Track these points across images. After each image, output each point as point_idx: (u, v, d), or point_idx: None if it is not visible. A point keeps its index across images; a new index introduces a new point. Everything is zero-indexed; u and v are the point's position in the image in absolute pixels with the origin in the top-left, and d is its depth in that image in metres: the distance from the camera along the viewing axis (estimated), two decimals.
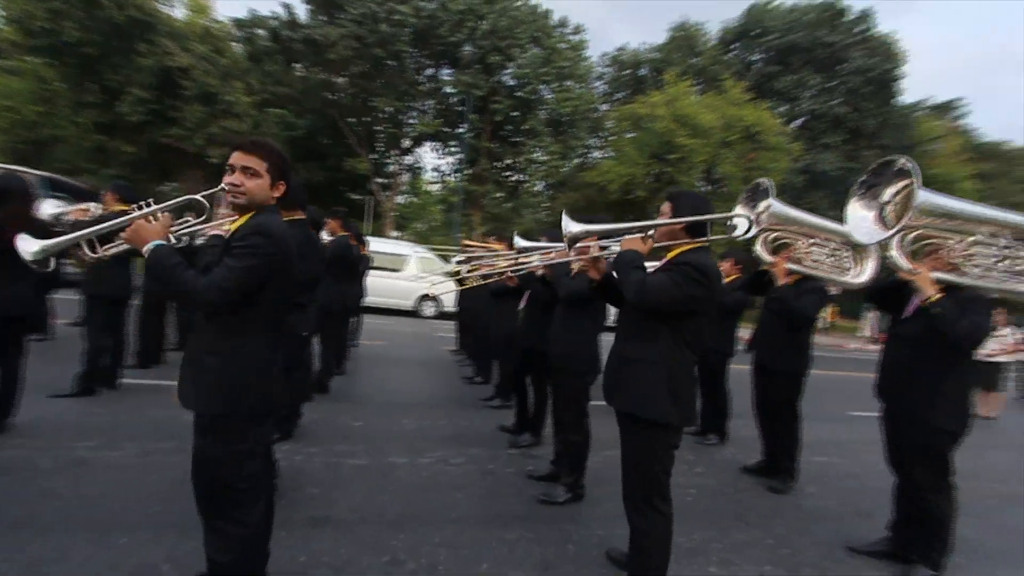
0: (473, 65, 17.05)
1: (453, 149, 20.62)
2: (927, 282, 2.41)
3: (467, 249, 5.52)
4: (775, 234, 3.58)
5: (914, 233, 2.53)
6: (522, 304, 3.97)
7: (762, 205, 3.47)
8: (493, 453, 3.65)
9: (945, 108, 28.39)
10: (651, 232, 2.11)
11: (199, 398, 1.61)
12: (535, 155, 19.27)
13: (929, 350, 2.47)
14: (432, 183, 23.23)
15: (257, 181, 1.65)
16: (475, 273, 4.69)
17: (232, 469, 1.63)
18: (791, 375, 3.50)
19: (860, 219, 2.68)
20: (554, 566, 2.33)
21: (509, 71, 18.56)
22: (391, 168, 22.03)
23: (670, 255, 2.09)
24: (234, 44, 16.18)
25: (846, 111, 21.83)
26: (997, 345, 6.72)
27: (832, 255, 3.56)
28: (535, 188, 20.27)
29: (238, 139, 1.75)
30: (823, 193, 22.92)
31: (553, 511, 2.86)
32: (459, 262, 6.06)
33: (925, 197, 2.32)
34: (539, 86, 18.16)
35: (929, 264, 2.51)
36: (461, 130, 20.00)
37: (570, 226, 2.07)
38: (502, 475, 3.32)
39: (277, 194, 1.71)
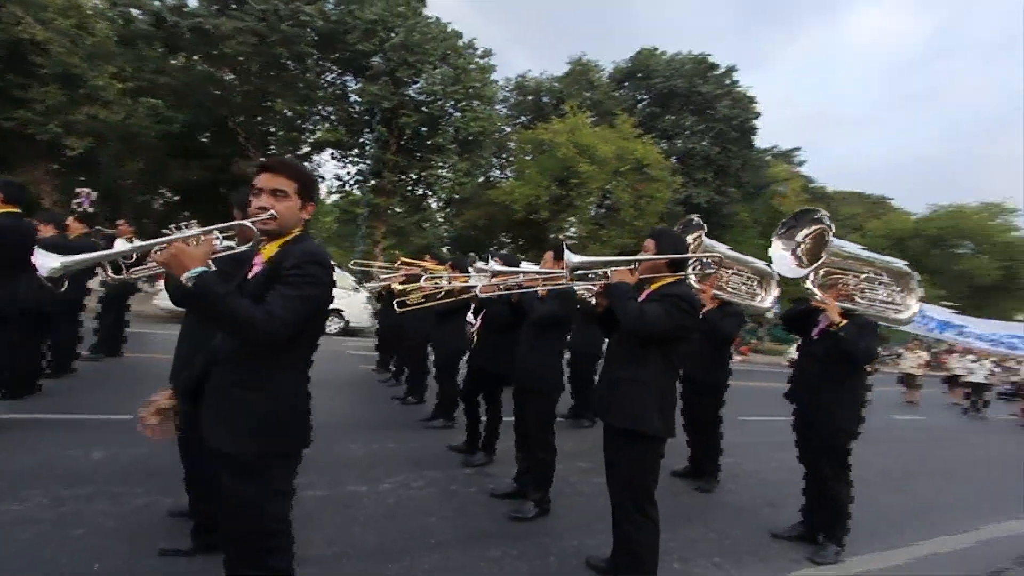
0: (383, 77, 16.73)
1: (356, 159, 19.92)
2: (835, 310, 2.98)
3: (403, 267, 5.47)
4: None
5: (824, 269, 3.10)
6: (475, 326, 4.06)
7: (692, 237, 3.99)
8: (451, 474, 3.68)
9: (788, 155, 33.68)
10: (636, 265, 2.37)
11: (237, 437, 1.51)
12: (442, 171, 19.33)
13: (834, 365, 3.03)
14: (332, 192, 22.13)
15: (287, 203, 1.60)
16: (419, 291, 4.67)
17: (268, 512, 1.54)
18: (715, 387, 4.01)
19: (780, 257, 3.23)
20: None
21: (417, 86, 18.51)
22: None
23: (654, 287, 2.37)
24: (103, 23, 14.19)
25: (715, 152, 24.93)
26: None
27: (746, 283, 4.17)
28: (438, 204, 20.29)
29: (266, 160, 1.68)
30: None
31: (526, 526, 2.99)
32: (386, 278, 5.96)
33: (836, 242, 2.89)
34: (448, 104, 18.32)
35: (832, 294, 3.09)
36: (364, 140, 19.48)
37: (572, 258, 2.26)
38: (466, 495, 3.37)
39: (306, 215, 1.67)
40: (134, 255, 1.63)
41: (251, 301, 1.44)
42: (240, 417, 1.51)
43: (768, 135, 53.20)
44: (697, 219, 3.92)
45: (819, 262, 2.92)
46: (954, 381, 12.37)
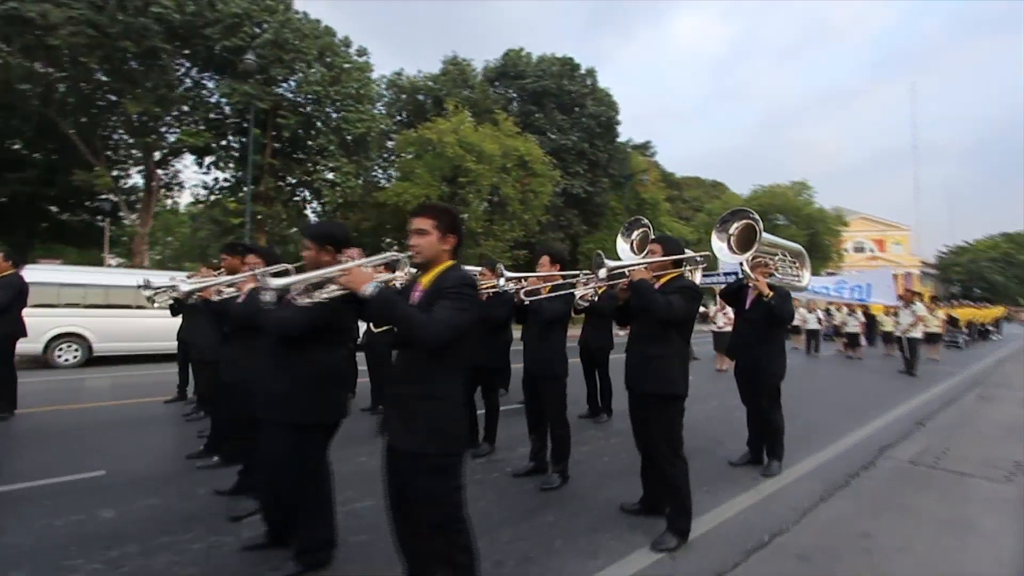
0: (254, 75, 15.50)
1: (224, 165, 18.16)
2: (764, 285, 3.92)
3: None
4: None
5: (752, 255, 4.02)
6: None
7: (636, 234, 4.74)
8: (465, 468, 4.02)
9: (643, 147, 37.67)
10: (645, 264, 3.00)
11: (420, 437, 1.83)
12: (326, 175, 18.48)
13: (764, 326, 3.99)
14: (199, 202, 19.90)
15: (428, 239, 1.94)
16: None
17: (455, 502, 1.88)
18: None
19: (719, 247, 4.09)
20: (602, 527, 3.01)
21: (293, 85, 17.46)
22: (134, 183, 18.18)
23: (663, 281, 3.01)
24: None
25: (585, 146, 27.09)
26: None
27: (791, 266, 4.90)
28: (325, 209, 19.37)
29: (414, 207, 2.03)
30: (575, 210, 27.98)
31: (559, 493, 3.50)
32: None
33: (765, 235, 3.80)
34: (328, 104, 17.56)
35: (760, 272, 4.04)
36: (233, 144, 17.89)
37: (609, 263, 2.81)
38: (492, 481, 3.77)
39: (447, 247, 2.01)
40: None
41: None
42: (424, 420, 1.84)
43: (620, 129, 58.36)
44: (643, 220, 4.68)
45: (752, 250, 3.81)
46: (794, 329, 15.36)
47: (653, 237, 3.26)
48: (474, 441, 4.45)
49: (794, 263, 4.32)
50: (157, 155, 17.86)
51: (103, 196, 18.55)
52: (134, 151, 18.09)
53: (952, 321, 15.91)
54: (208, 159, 18.37)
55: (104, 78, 14.71)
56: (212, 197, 19.50)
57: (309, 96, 17.47)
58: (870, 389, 8.53)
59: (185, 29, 14.82)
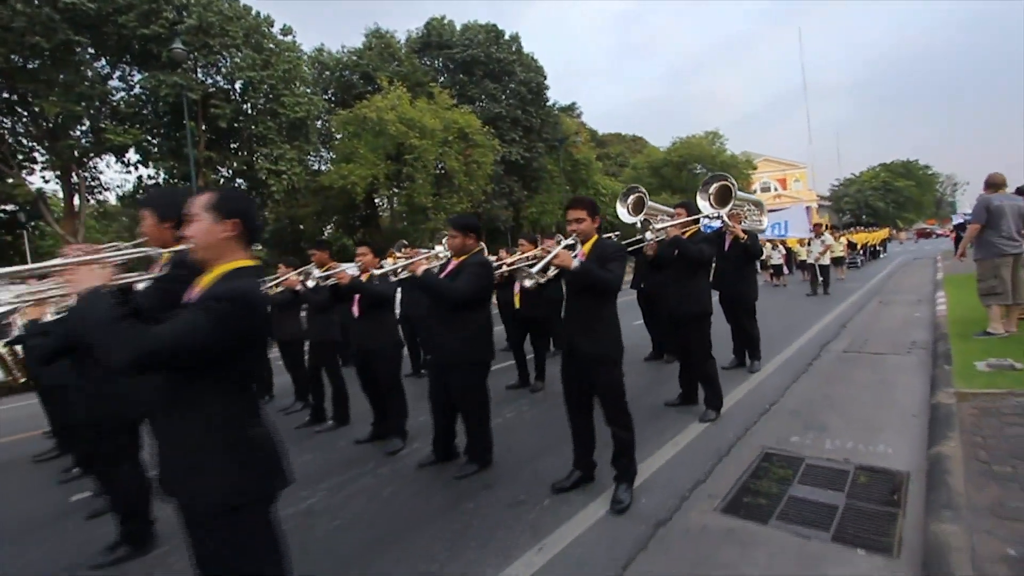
0: (183, 64, 14.75)
1: (157, 162, 17.20)
2: (740, 231, 5.14)
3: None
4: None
5: (730, 209, 5.23)
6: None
7: (632, 199, 5.82)
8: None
9: (569, 109, 38.72)
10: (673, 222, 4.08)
11: (603, 346, 2.81)
12: (268, 164, 18.00)
13: (742, 262, 5.26)
14: (128, 202, 18.73)
15: (584, 224, 2.91)
16: None
17: (623, 391, 2.86)
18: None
19: (703, 204, 5.26)
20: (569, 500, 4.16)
21: (222, 72, 16.73)
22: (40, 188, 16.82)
23: (689, 233, 4.10)
24: None
25: (519, 113, 27.75)
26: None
27: (754, 215, 6.08)
28: (274, 198, 18.92)
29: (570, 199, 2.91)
30: (514, 177, 28.81)
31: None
32: None
33: (738, 193, 5.00)
34: (261, 89, 17.01)
35: (735, 220, 5.26)
36: (162, 138, 16.97)
37: (655, 225, 3.85)
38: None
39: (596, 224, 2.97)
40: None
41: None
42: (601, 337, 2.82)
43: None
44: (640, 188, 5.76)
45: (730, 205, 5.00)
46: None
47: (681, 202, 4.35)
48: (526, 381, 5.47)
49: (756, 211, 5.60)
50: (64, 158, 16.55)
51: (16, 207, 17.13)
52: (45, 155, 16.67)
53: (851, 246, 18.71)
54: (133, 157, 17.33)
55: (6, 79, 13.49)
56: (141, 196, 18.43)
57: (240, 82, 16.84)
58: (801, 307, 10.41)
59: (97, 19, 13.80)
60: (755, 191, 52.52)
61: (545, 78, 29.07)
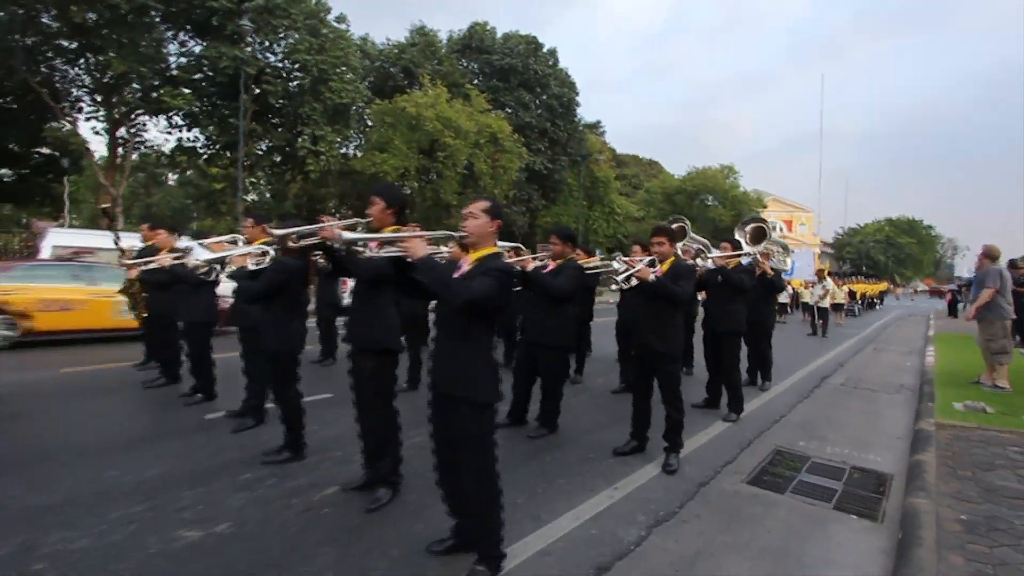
0: (246, 40, 15.51)
1: (204, 128, 17.92)
2: (768, 267, 5.95)
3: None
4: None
5: (764, 247, 6.04)
6: None
7: (751, 228, 6.56)
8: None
9: (593, 126, 39.69)
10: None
11: (671, 345, 3.59)
12: (307, 143, 18.72)
13: (765, 293, 6.05)
14: (175, 163, 19.42)
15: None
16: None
17: (679, 379, 3.66)
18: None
19: (742, 239, 6.08)
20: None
21: (278, 51, 17.52)
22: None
23: (732, 264, 4.89)
24: None
25: (547, 125, 28.64)
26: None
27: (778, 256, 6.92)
28: (309, 178, 19.66)
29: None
30: (535, 185, 29.67)
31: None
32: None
33: (774, 236, 5.82)
34: (314, 72, 17.77)
35: (764, 257, 6.06)
36: (213, 107, 17.70)
37: (710, 255, 4.64)
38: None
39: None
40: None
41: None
42: (670, 339, 3.59)
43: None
44: (758, 215, 6.57)
45: (763, 245, 5.81)
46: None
47: (728, 238, 5.14)
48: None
49: (783, 253, 6.43)
50: (119, 112, 17.23)
51: (59, 153, 17.81)
52: (93, 106, 17.31)
53: (851, 294, 19.62)
54: (177, 119, 18.02)
55: (80, 33, 14.19)
56: (183, 158, 19.14)
57: (295, 63, 17.61)
58: (802, 344, 11.24)
59: None
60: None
61: (577, 94, 30.03)
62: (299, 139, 18.54)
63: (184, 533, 2.55)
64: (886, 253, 65.52)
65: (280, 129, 19.33)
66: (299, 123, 18.66)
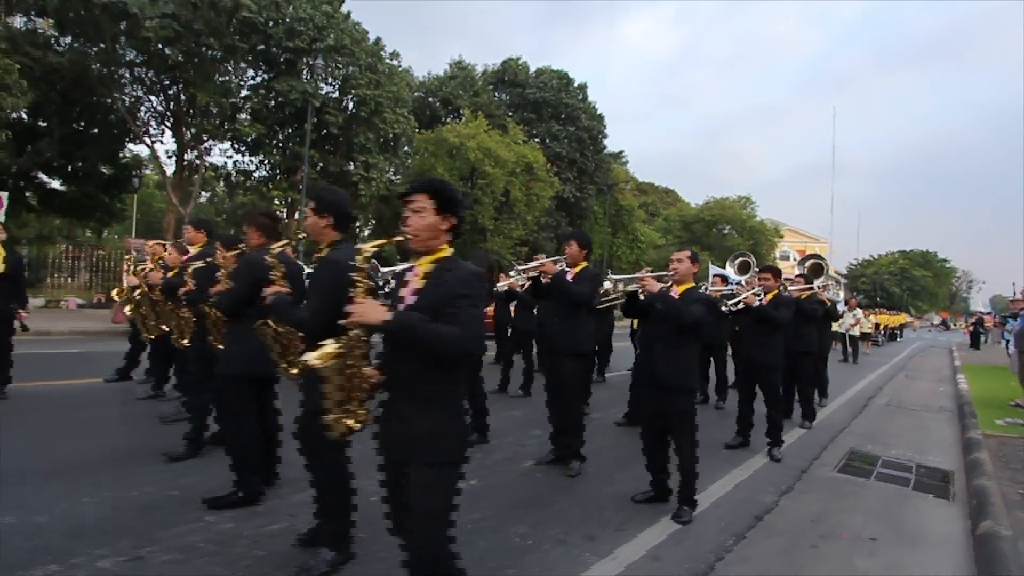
0: (318, 75, 16.97)
1: (269, 154, 19.34)
2: (752, 298, 6.78)
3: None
4: None
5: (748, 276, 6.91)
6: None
7: (738, 261, 7.53)
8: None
9: (616, 156, 41.09)
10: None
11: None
12: (361, 170, 20.04)
13: (821, 323, 6.95)
14: (237, 185, 20.81)
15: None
16: None
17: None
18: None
19: (730, 271, 6.93)
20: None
21: (340, 86, 19.00)
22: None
23: (769, 297, 5.82)
24: None
25: (577, 156, 29.98)
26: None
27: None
28: (361, 201, 20.96)
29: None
30: (563, 213, 30.84)
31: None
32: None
33: (830, 272, 6.75)
34: (370, 104, 19.17)
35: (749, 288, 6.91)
36: (279, 137, 19.15)
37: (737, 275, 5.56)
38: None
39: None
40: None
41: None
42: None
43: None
44: (745, 252, 7.48)
45: (748, 275, 6.64)
46: None
47: (760, 266, 5.97)
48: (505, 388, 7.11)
49: (837, 286, 7.33)
50: (190, 136, 18.64)
51: (139, 172, 19.22)
52: (165, 131, 18.77)
53: (875, 325, 20.33)
54: (240, 145, 19.45)
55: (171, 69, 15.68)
56: (245, 182, 20.54)
57: (354, 96, 19.04)
58: (838, 370, 11.98)
59: (251, 28, 16.05)
60: (774, 258, 54.49)
61: (605, 127, 31.40)
62: (352, 165, 19.87)
63: None
64: (901, 285, 65.71)
65: (335, 156, 20.70)
66: (353, 151, 20.03)
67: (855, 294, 65.75)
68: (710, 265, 11.31)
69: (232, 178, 21.08)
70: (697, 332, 3.24)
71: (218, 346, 3.24)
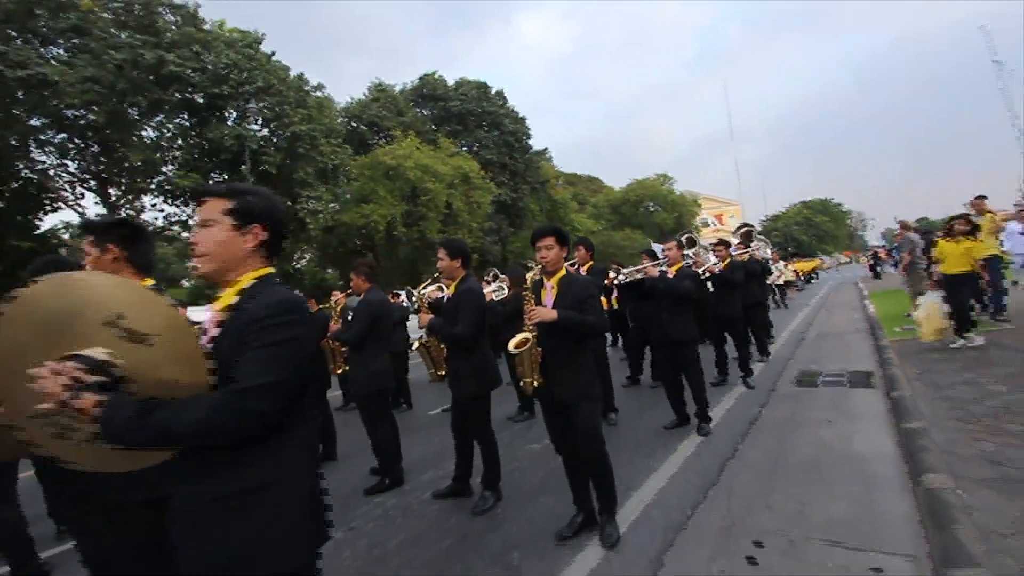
0: (247, 119, 17.06)
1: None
2: (712, 270, 8.41)
3: None
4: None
5: (696, 249, 8.49)
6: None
7: (684, 237, 9.00)
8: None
9: (541, 153, 42.89)
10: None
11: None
12: (308, 204, 20.26)
13: (720, 289, 8.54)
14: (172, 239, 20.24)
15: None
16: None
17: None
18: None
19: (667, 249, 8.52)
20: None
21: (272, 126, 19.09)
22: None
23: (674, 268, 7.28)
24: None
25: (507, 160, 31.30)
26: None
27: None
28: (312, 235, 21.07)
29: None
30: (502, 216, 32.07)
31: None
32: None
33: (701, 240, 8.29)
34: (306, 140, 19.43)
35: (698, 262, 8.51)
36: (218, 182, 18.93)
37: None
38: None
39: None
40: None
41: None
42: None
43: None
44: (691, 229, 8.94)
45: (695, 248, 8.21)
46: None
47: (714, 241, 7.48)
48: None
49: (767, 245, 8.95)
50: (113, 194, 18.09)
51: (64, 241, 18.37)
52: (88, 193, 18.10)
53: (795, 272, 23.12)
54: (176, 200, 19.08)
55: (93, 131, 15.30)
56: (182, 233, 20.08)
57: (287, 134, 19.22)
58: (776, 315, 14.00)
59: (178, 79, 15.97)
60: (697, 225, 58.77)
61: (528, 128, 32.95)
62: (297, 201, 20.03)
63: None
64: (807, 233, 72.73)
65: (276, 194, 20.69)
66: (294, 187, 20.16)
67: (774, 248, 72.12)
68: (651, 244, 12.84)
69: (166, 232, 20.55)
70: (691, 299, 4.45)
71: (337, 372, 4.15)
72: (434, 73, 32.11)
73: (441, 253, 3.26)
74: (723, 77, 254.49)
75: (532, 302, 2.55)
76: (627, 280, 5.72)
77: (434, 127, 30.00)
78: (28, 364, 1.02)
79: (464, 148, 29.90)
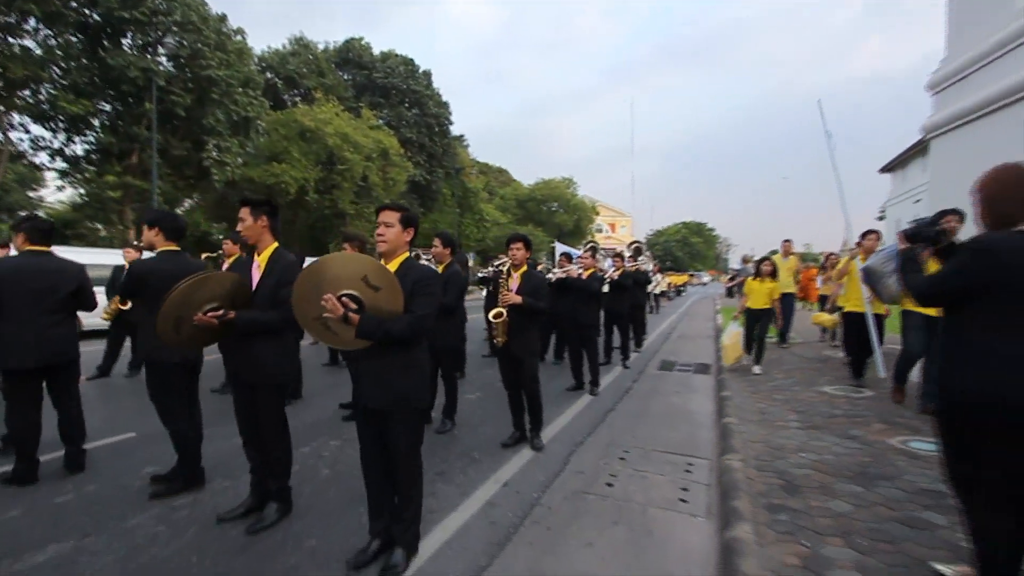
0: (159, 53, 15.85)
1: (105, 136, 17.27)
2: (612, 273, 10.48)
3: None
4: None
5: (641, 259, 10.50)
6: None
7: (587, 246, 10.81)
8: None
9: (459, 139, 43.50)
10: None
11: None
12: (213, 153, 19.20)
13: (626, 292, 10.62)
14: (52, 169, 17.89)
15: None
16: None
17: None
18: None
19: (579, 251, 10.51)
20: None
21: (187, 65, 17.78)
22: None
23: (587, 273, 9.18)
24: None
25: (426, 141, 31.65)
26: None
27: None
28: (216, 186, 19.83)
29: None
30: (415, 195, 32.42)
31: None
32: None
33: (645, 252, 10.32)
34: (221, 85, 18.41)
35: (619, 265, 10.56)
36: (106, 113, 17.29)
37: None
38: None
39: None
40: None
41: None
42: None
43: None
44: (594, 241, 10.76)
45: (642, 258, 10.24)
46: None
47: (612, 253, 9.33)
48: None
49: (649, 259, 11.04)
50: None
51: None
52: None
53: (668, 284, 26.81)
54: (55, 125, 17.07)
55: None
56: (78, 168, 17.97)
57: (203, 75, 18.05)
58: (650, 318, 16.66)
59: None
60: (592, 231, 63.46)
61: (451, 114, 33.50)
62: (204, 149, 18.90)
63: None
64: (683, 250, 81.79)
65: (179, 138, 19.29)
66: (203, 133, 18.98)
67: (654, 261, 79.85)
68: (556, 244, 14.63)
69: (41, 160, 18.21)
70: (598, 297, 6.02)
71: None
72: (360, 39, 31.31)
73: (437, 242, 4.39)
74: (630, 94, 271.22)
75: (505, 289, 3.84)
76: (554, 279, 7.18)
77: (355, 94, 29.40)
78: (322, 294, 2.10)
79: (383, 122, 29.70)
